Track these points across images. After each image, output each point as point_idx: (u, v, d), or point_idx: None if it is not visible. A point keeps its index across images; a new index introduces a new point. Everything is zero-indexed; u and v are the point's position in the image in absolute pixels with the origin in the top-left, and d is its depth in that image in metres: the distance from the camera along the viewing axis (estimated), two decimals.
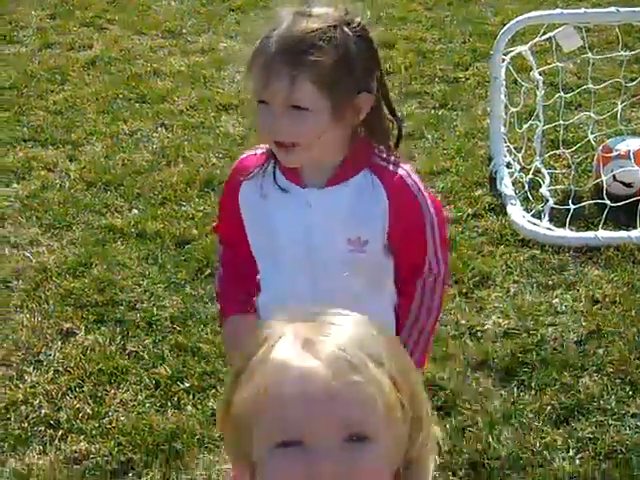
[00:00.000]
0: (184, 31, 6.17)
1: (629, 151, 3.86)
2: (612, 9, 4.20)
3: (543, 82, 4.21)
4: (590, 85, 4.26)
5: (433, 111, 4.71)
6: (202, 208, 3.97)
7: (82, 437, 2.70)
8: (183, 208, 3.98)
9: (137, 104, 5.07)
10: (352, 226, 1.83)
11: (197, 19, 6.37)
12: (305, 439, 0.97)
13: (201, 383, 2.91)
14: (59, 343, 3.12)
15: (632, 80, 4.40)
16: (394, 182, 1.82)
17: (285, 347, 1.00)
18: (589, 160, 4.13)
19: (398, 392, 1.01)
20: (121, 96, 5.17)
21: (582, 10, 4.27)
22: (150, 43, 5.97)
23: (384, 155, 1.85)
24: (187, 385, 2.90)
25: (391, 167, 1.84)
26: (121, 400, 2.85)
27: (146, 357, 3.04)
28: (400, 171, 1.84)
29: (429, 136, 4.53)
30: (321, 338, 1.00)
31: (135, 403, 2.83)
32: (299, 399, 0.97)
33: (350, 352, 0.99)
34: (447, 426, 2.71)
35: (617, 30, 4.26)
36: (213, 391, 2.88)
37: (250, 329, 1.69)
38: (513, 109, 4.15)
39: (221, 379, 2.92)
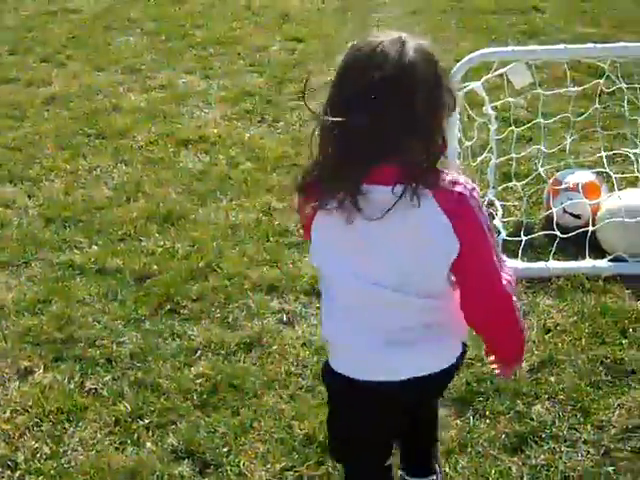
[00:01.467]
0: (143, 67, 6.24)
1: (578, 184, 3.97)
2: (560, 46, 4.32)
3: (496, 117, 4.32)
4: (540, 120, 4.38)
5: None
6: (162, 243, 4.00)
7: (40, 478, 2.69)
8: (143, 243, 4.00)
9: (97, 140, 5.11)
10: None
11: (156, 55, 6.45)
12: None
13: (161, 419, 2.92)
14: (17, 382, 3.11)
15: (580, 115, 4.53)
16: None
17: None
18: (540, 193, 4.25)
19: None
20: (80, 132, 5.20)
21: (532, 47, 4.39)
22: (110, 79, 6.03)
23: None
24: (146, 422, 2.91)
25: None
26: (80, 439, 2.84)
27: (105, 394, 3.04)
28: None
29: None
30: None
31: (94, 442, 2.83)
32: None
33: None
34: None
35: (565, 66, 4.38)
36: (172, 427, 2.89)
37: None
38: (467, 143, 4.25)
39: (181, 414, 2.94)
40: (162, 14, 7.29)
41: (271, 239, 4.02)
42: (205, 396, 3.03)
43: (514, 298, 1.94)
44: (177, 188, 4.53)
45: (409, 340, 1.94)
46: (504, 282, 1.90)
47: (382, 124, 1.71)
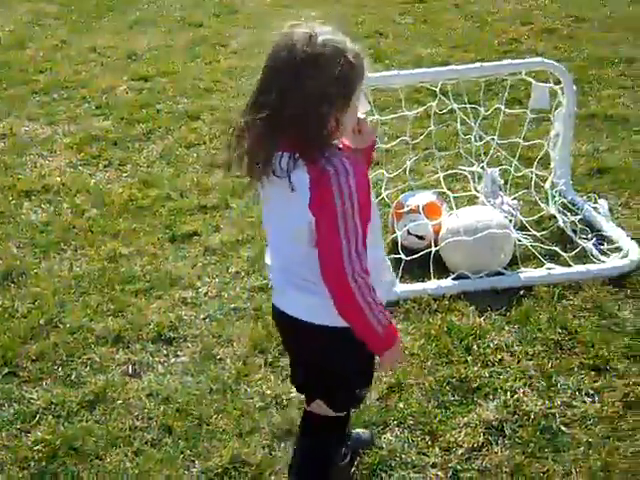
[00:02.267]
0: None
1: (419, 205, 4.03)
2: (394, 72, 4.43)
3: None
4: (381, 145, 4.44)
5: (239, 180, 4.75)
6: (0, 303, 3.80)
7: None
8: None
9: None
10: None
11: None
12: None
13: None
14: None
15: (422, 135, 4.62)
16: None
17: None
18: (385, 216, 4.29)
19: None
20: None
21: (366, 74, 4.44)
22: None
23: None
24: None
25: None
26: None
27: None
28: None
29: (234, 205, 4.59)
30: None
31: None
32: None
33: None
34: None
35: (400, 91, 4.46)
36: None
37: None
38: None
39: None
40: (2, 60, 7.04)
41: (116, 287, 3.89)
42: (44, 463, 2.88)
43: (353, 283, 2.05)
44: (18, 242, 4.34)
45: (297, 285, 2.22)
46: (347, 268, 2.04)
47: (281, 109, 1.98)
